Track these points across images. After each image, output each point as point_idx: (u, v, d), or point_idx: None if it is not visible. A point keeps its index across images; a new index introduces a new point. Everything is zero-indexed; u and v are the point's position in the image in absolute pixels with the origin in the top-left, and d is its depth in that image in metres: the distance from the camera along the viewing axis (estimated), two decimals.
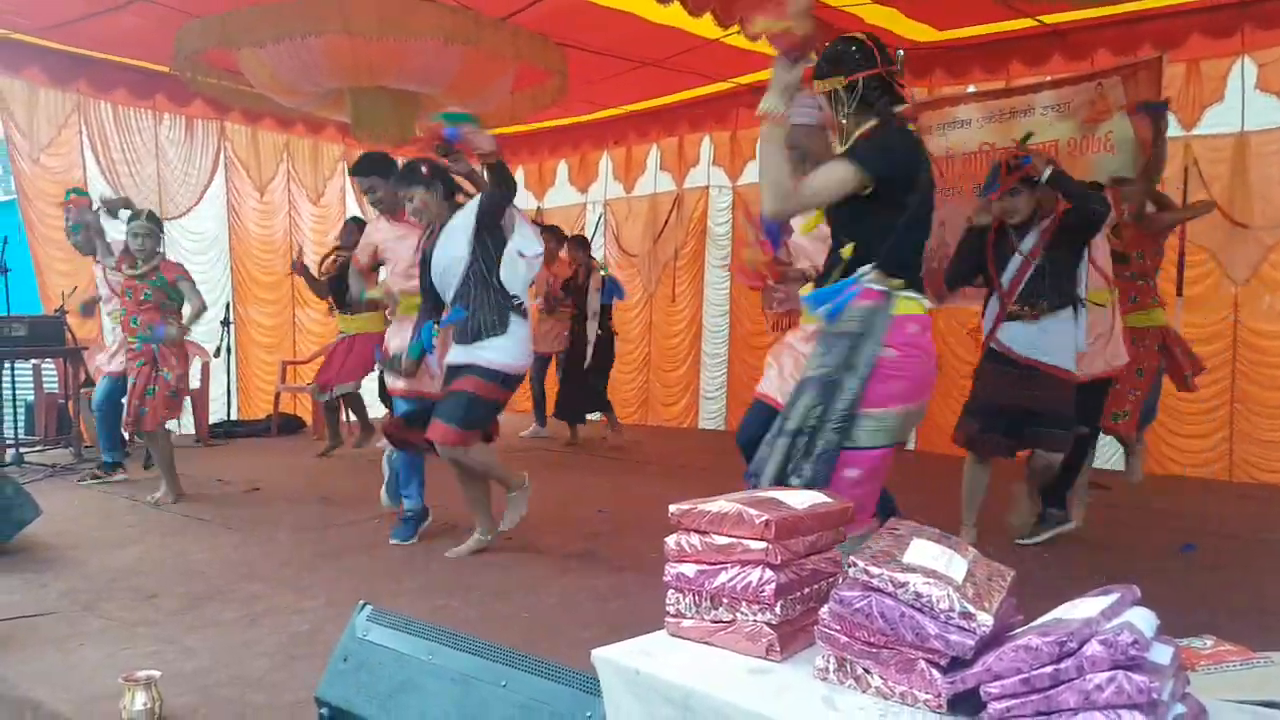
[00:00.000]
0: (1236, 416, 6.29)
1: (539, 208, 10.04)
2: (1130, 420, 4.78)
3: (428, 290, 4.20)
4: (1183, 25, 5.88)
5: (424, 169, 4.12)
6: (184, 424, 8.02)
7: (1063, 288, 4.03)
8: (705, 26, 5.89)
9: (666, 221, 8.98)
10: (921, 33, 6.57)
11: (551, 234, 7.73)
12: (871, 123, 2.52)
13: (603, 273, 7.83)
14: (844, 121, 2.53)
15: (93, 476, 5.95)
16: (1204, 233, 6.14)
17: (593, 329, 7.61)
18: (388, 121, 6.15)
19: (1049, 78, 6.20)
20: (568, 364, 7.77)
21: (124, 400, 5.59)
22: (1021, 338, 4.05)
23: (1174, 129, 6.17)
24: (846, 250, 2.50)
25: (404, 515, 4.59)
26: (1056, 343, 4.01)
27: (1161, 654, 1.32)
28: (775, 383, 3.44)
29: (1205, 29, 5.87)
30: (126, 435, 5.46)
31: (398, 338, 4.50)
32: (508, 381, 4.07)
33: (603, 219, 9.65)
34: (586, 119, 8.88)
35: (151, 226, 5.46)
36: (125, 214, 5.60)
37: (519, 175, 10.13)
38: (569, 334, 7.73)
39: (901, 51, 7.08)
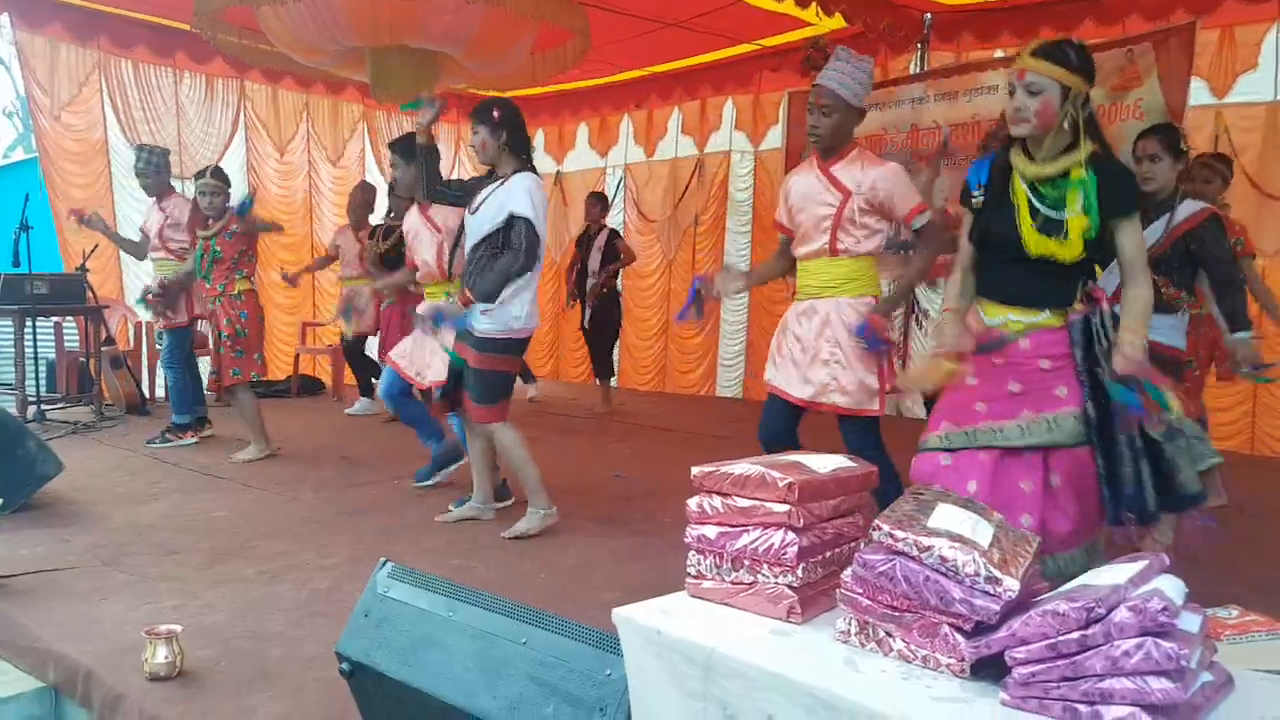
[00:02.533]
0: (1260, 390, 6.21)
1: (558, 171, 9.98)
2: (1195, 406, 4.73)
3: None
4: None
5: (496, 112, 3.94)
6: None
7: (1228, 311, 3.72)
8: None
9: (687, 186, 8.91)
10: None
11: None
12: (1093, 146, 2.47)
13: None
14: (1065, 123, 2.43)
15: (163, 439, 5.90)
16: (1233, 204, 6.00)
17: (593, 287, 7.61)
18: (407, 82, 6.09)
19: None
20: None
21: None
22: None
23: (1206, 97, 6.07)
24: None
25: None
26: (1175, 324, 3.68)
27: (1190, 622, 1.31)
28: (781, 374, 3.38)
29: None
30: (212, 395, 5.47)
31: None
32: (504, 347, 3.95)
33: (622, 183, 9.59)
34: (607, 81, 8.78)
35: (218, 184, 5.38)
36: None
37: (538, 138, 10.06)
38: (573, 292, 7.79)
39: (929, 16, 6.98)
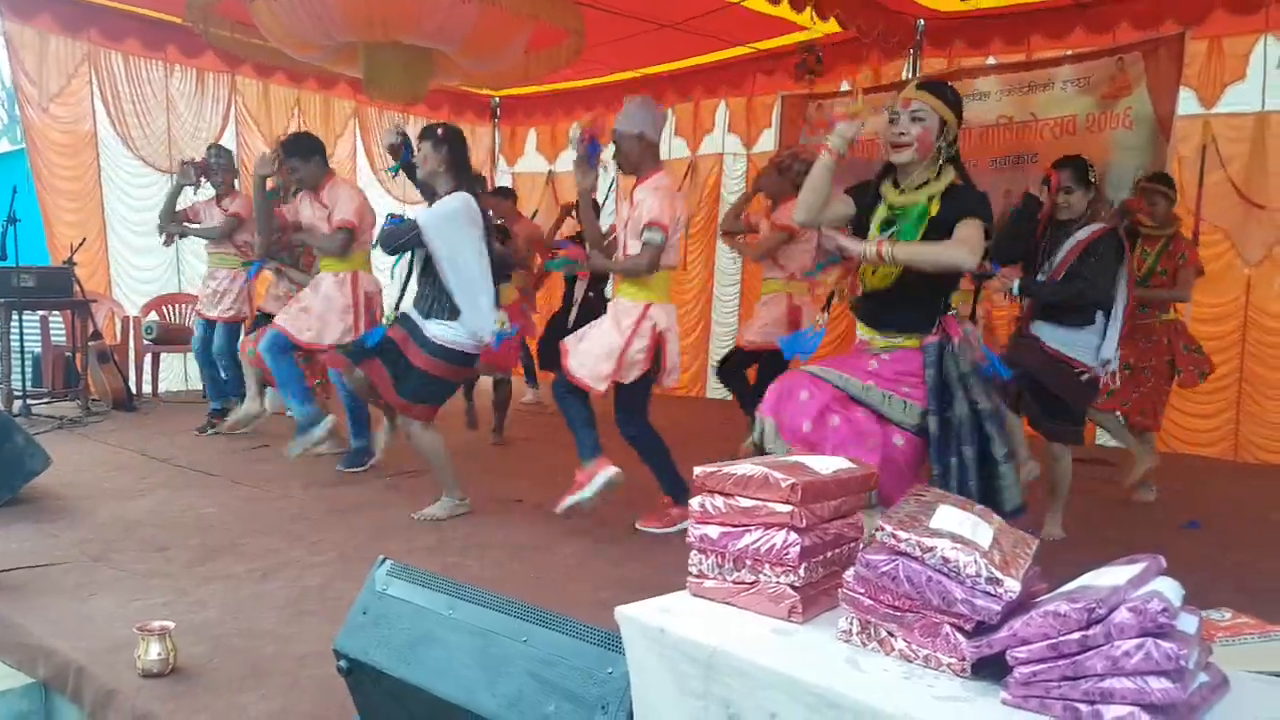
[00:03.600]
0: (1244, 397, 6.29)
1: (550, 171, 9.97)
2: (1145, 414, 4.82)
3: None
4: (1206, 1, 5.79)
5: (440, 131, 4.18)
6: (192, 379, 8.06)
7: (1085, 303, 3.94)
8: None
9: (680, 188, 8.89)
10: (944, 2, 6.50)
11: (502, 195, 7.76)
12: (954, 178, 2.80)
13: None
14: (937, 153, 2.78)
15: (210, 425, 6.19)
16: (1219, 213, 6.10)
17: (581, 287, 7.55)
18: (400, 78, 6.09)
19: (1070, 51, 6.13)
20: (552, 317, 7.65)
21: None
22: (1050, 334, 4.01)
23: (1194, 107, 6.13)
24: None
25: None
26: (1084, 341, 3.96)
27: (1188, 623, 1.33)
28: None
29: (1228, 6, 5.78)
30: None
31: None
32: (458, 359, 4.14)
33: (614, 184, 9.58)
34: (600, 81, 8.78)
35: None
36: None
37: (531, 137, 10.05)
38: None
39: (922, 22, 7.04)
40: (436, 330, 4.07)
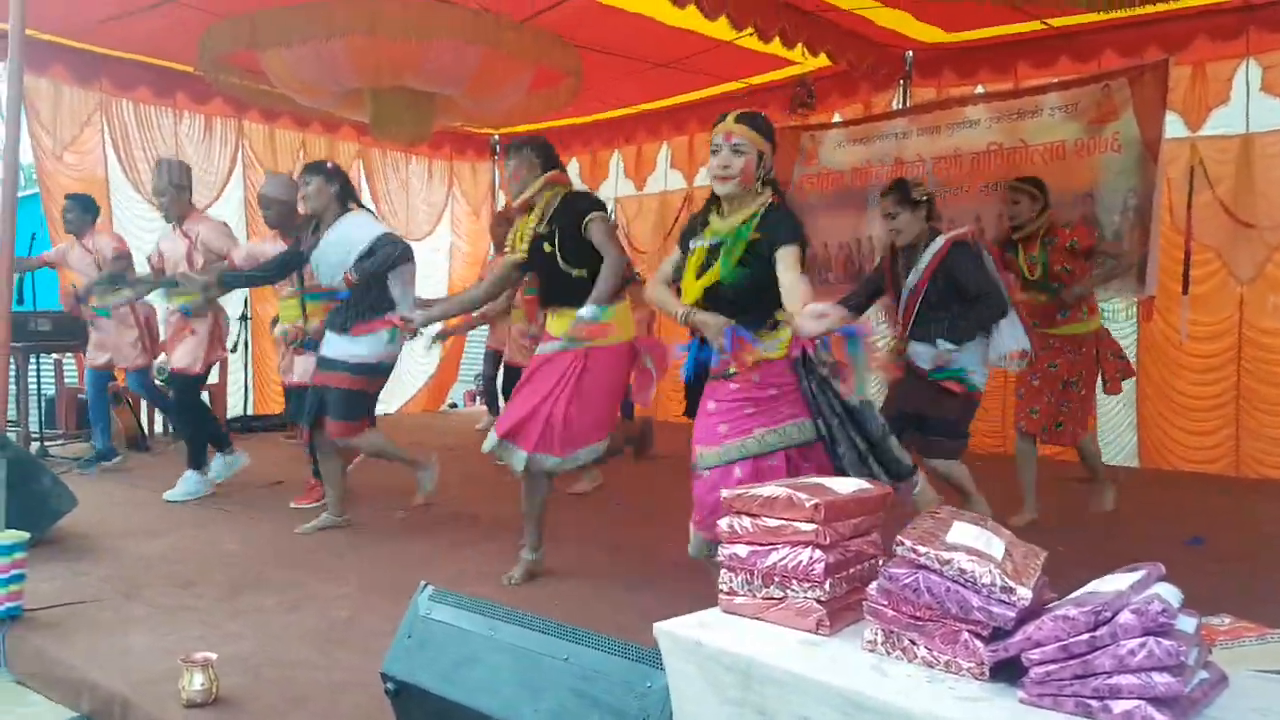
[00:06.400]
0: (1242, 413, 6.35)
1: None
2: (1066, 431, 4.78)
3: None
4: (1188, 28, 5.98)
5: (329, 165, 4.68)
6: None
7: (955, 321, 3.95)
8: (719, 29, 5.99)
9: (676, 219, 9.05)
10: (930, 34, 6.68)
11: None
12: (771, 197, 2.93)
13: None
14: (757, 181, 2.89)
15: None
16: (1210, 232, 6.23)
17: None
18: (405, 121, 6.25)
19: (1056, 79, 6.30)
20: None
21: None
22: (927, 357, 4.02)
23: (1180, 130, 6.28)
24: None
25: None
26: (962, 360, 3.96)
27: (1187, 624, 1.44)
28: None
29: (1210, 32, 5.96)
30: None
31: None
32: (375, 371, 4.55)
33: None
34: (599, 118, 8.97)
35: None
36: None
37: None
38: None
39: (910, 54, 7.20)
40: (352, 350, 4.45)
